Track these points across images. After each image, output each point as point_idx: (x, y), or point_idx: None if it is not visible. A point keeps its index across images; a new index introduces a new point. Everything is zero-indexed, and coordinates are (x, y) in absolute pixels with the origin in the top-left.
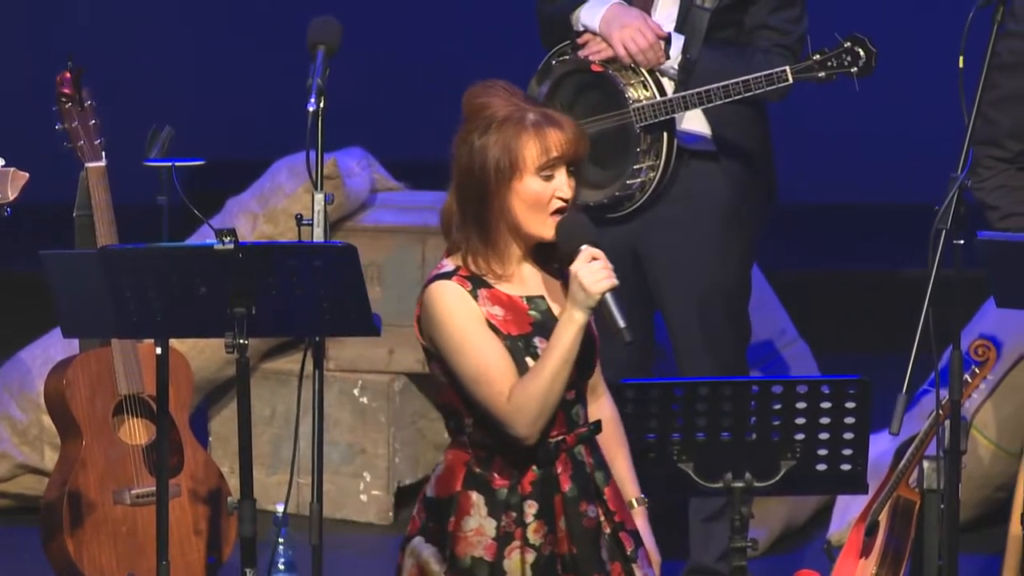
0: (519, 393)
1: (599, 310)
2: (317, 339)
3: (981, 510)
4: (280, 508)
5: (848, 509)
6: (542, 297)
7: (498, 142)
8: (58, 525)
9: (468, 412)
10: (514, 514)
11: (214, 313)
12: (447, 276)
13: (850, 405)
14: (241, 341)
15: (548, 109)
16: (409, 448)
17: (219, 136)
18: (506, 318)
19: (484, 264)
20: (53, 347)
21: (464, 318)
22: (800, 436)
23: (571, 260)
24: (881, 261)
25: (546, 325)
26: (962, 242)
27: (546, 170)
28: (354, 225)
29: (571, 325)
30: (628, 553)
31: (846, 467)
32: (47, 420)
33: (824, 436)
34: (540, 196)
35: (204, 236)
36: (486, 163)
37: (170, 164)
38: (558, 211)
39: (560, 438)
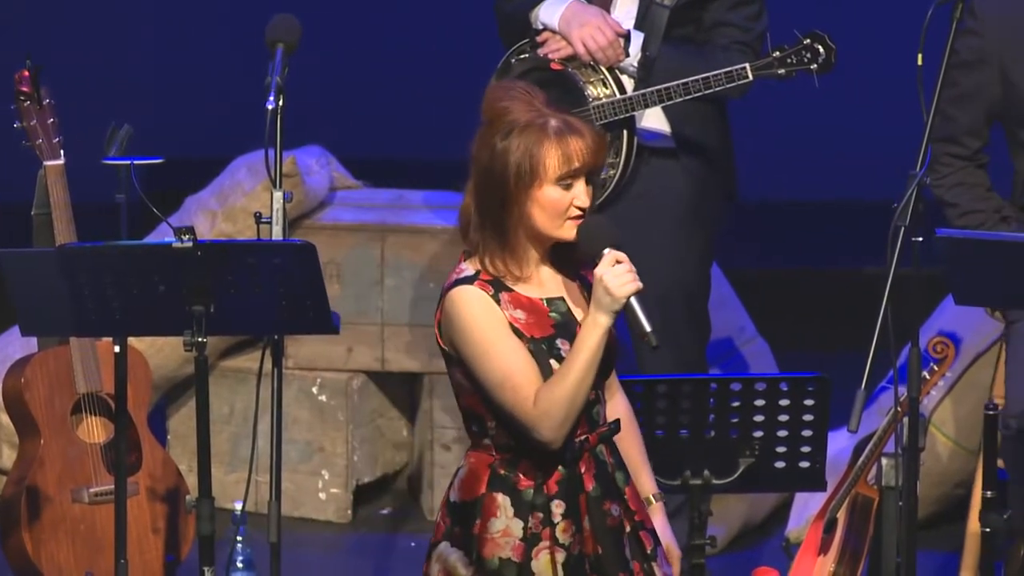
0: (545, 398)
1: (624, 314)
2: (276, 337)
3: (939, 507)
4: (238, 506)
5: (807, 506)
6: (562, 299)
7: (519, 148)
8: (16, 523)
9: (491, 415)
10: (541, 515)
11: (173, 311)
12: (468, 281)
13: (809, 402)
14: (199, 339)
15: (569, 116)
16: (368, 446)
17: (178, 134)
18: (528, 321)
19: (502, 266)
20: (11, 345)
21: (488, 323)
22: (759, 433)
23: (592, 263)
24: (840, 259)
25: (567, 327)
26: (921, 239)
27: (566, 179)
28: (313, 223)
29: (596, 329)
30: (648, 552)
31: (805, 464)
32: (5, 418)
33: (783, 433)
34: (559, 204)
35: (163, 234)
36: (507, 168)
37: (129, 162)
38: (576, 217)
39: (583, 438)
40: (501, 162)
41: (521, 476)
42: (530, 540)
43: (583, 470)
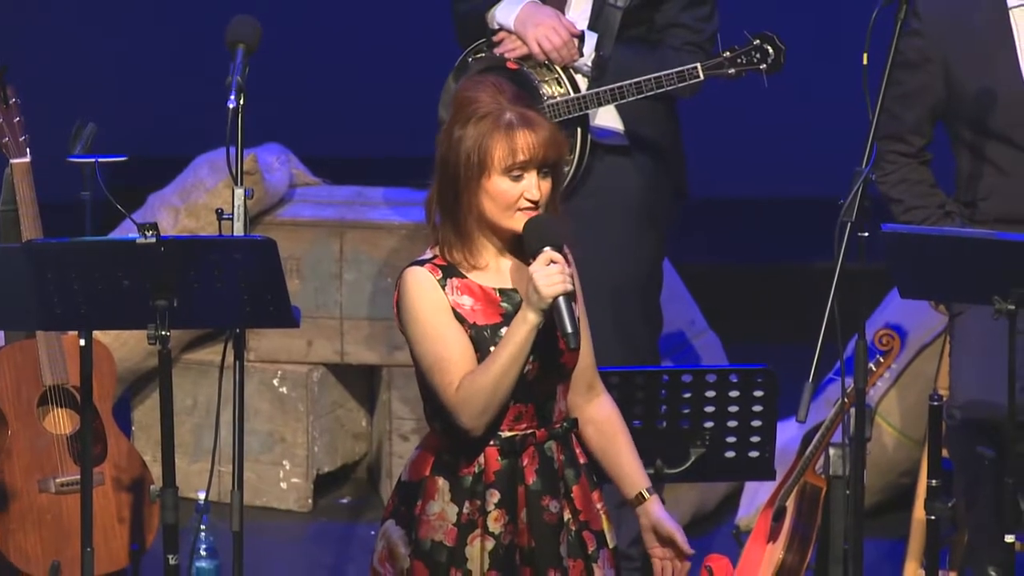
0: (467, 385)
1: (551, 312)
2: (237, 331)
3: (886, 496)
4: (202, 496)
5: (756, 495)
6: (515, 290)
7: (471, 138)
8: None
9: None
10: (478, 502)
11: (137, 305)
12: (421, 263)
13: (758, 394)
14: (163, 333)
15: (530, 111)
16: (327, 436)
17: (141, 133)
18: (474, 308)
19: (459, 255)
20: None
21: (428, 305)
22: (709, 424)
23: (535, 258)
24: (787, 254)
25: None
26: (867, 235)
27: (514, 171)
28: (273, 219)
29: (523, 325)
30: (589, 552)
31: (754, 454)
32: None
33: (733, 424)
34: (507, 196)
35: (127, 231)
36: (459, 157)
37: (93, 160)
38: (527, 209)
39: (530, 432)
40: (455, 151)
41: (462, 462)
42: (465, 526)
43: (525, 463)
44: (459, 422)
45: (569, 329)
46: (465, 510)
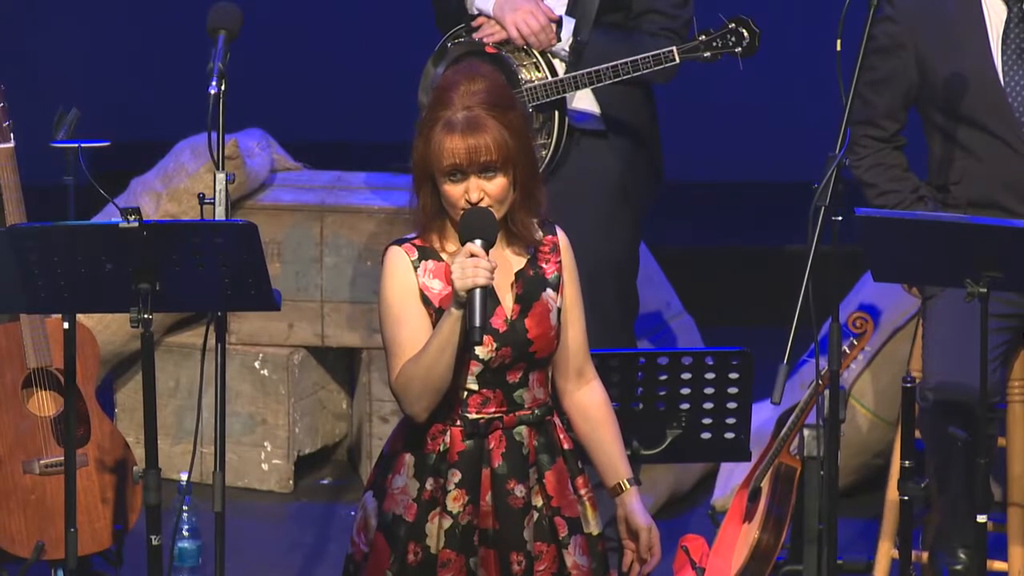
0: (403, 372)
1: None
2: (219, 314)
3: (859, 476)
4: (184, 477)
5: (732, 476)
6: None
7: (422, 139)
8: None
9: None
10: (441, 480)
11: (119, 289)
12: (401, 242)
13: (733, 376)
14: (146, 316)
15: (482, 111)
16: (308, 418)
17: (123, 118)
18: (442, 292)
19: (431, 239)
20: None
21: (396, 287)
22: (685, 406)
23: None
24: (762, 237)
25: None
26: (840, 218)
27: (452, 174)
28: (254, 204)
29: (448, 317)
30: (560, 538)
31: (730, 435)
32: None
33: (708, 406)
34: (451, 196)
35: (109, 215)
36: (415, 157)
37: (76, 145)
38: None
39: (497, 416)
40: (415, 149)
41: (429, 440)
42: (427, 503)
43: (492, 446)
44: (402, 407)
45: (477, 323)
46: (428, 487)
